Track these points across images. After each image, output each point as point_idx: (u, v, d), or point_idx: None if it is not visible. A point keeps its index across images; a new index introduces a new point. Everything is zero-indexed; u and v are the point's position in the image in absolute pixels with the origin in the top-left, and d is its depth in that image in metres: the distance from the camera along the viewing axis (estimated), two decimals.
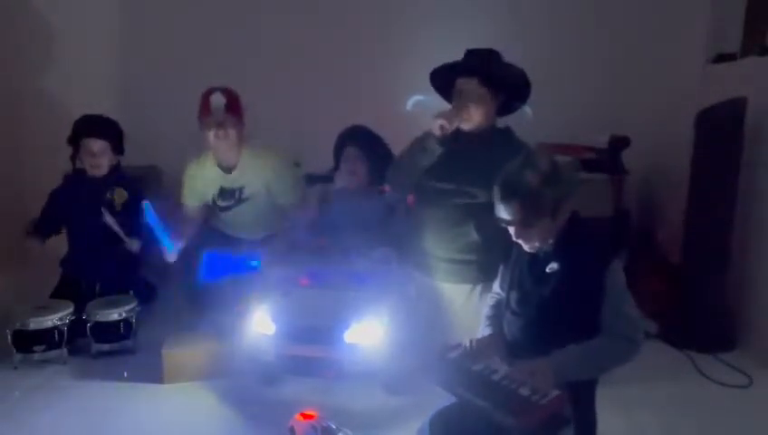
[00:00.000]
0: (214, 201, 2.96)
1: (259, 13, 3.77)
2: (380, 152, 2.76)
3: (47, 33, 3.81)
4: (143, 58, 3.84)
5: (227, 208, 2.96)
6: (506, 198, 1.57)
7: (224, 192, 2.93)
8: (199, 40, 3.72)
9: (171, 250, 2.74)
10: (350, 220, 2.75)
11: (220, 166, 2.89)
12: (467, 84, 2.29)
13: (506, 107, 2.39)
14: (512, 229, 1.61)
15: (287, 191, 2.92)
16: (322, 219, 2.83)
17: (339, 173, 2.86)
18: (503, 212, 1.59)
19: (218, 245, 2.94)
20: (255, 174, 2.89)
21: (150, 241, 2.94)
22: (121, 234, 2.89)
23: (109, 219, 2.87)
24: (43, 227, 2.96)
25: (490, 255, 2.21)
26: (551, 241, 1.63)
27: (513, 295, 1.70)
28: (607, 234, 1.76)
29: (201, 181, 2.94)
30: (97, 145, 2.94)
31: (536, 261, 1.66)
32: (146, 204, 2.65)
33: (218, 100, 2.73)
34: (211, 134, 2.76)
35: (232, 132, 2.78)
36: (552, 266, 1.61)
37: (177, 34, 3.76)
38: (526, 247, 1.64)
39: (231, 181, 2.91)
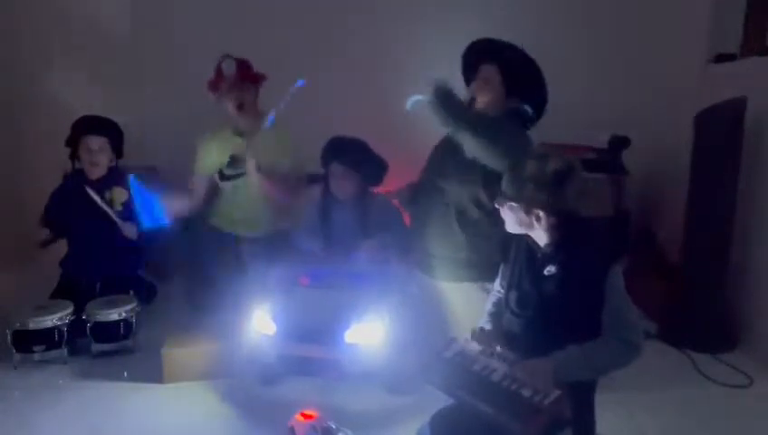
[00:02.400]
0: (221, 172, 2.90)
1: (259, 13, 3.76)
2: (368, 162, 2.74)
3: (47, 33, 3.81)
4: (143, 58, 3.84)
5: (232, 177, 2.89)
6: (556, 182, 1.60)
7: (233, 159, 2.89)
8: (199, 40, 3.71)
9: (163, 222, 2.77)
10: (346, 227, 2.75)
11: (236, 133, 2.93)
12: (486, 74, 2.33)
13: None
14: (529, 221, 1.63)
15: (288, 158, 2.92)
16: (318, 227, 2.82)
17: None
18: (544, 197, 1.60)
19: (217, 244, 2.95)
20: (266, 148, 2.87)
21: (150, 231, 2.95)
22: (114, 216, 2.88)
23: (96, 198, 2.86)
24: (50, 228, 2.97)
25: (477, 253, 2.23)
26: (548, 242, 1.63)
27: (512, 295, 1.70)
28: (607, 237, 1.76)
29: (216, 149, 2.95)
30: (96, 142, 2.95)
31: (535, 262, 1.66)
32: (131, 177, 2.68)
33: (229, 65, 2.81)
34: (229, 102, 2.83)
35: (246, 95, 2.84)
36: (551, 269, 1.61)
37: (178, 35, 3.76)
38: (508, 228, 1.67)
39: (242, 146, 2.88)
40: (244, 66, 2.85)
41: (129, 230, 2.91)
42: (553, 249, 1.63)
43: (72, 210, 2.96)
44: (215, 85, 2.85)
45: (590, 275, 1.56)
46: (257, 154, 2.88)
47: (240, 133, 2.92)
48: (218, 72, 2.84)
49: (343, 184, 2.72)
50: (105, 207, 2.89)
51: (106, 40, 3.83)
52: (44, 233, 2.94)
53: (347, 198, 2.76)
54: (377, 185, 2.80)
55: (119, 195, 3.00)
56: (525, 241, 1.70)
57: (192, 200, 2.93)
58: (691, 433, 2.13)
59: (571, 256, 1.59)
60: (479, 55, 2.37)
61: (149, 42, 3.82)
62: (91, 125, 2.98)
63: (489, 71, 2.32)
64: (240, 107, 2.83)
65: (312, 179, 3.21)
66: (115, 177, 3.04)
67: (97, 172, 2.98)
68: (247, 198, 2.95)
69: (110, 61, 3.84)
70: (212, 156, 2.95)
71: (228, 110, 2.84)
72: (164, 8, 3.78)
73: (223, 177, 2.92)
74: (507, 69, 2.30)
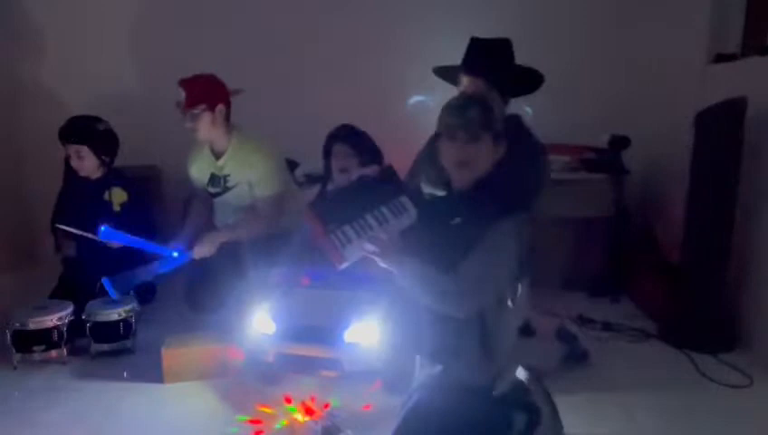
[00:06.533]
0: (205, 188, 3.01)
1: (259, 12, 3.77)
2: (368, 146, 2.78)
3: (47, 33, 3.81)
4: (143, 57, 3.84)
5: (217, 195, 3.00)
6: (464, 105, 1.63)
7: (213, 178, 2.98)
8: (199, 39, 3.72)
9: (181, 255, 2.76)
10: (345, 216, 2.75)
11: (212, 152, 2.94)
12: (473, 84, 2.24)
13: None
14: (455, 153, 1.61)
15: (261, 184, 2.89)
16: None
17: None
18: (455, 121, 1.60)
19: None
20: (239, 164, 2.90)
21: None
22: (89, 235, 2.84)
23: (68, 229, 2.84)
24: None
25: None
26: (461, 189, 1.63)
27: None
28: (510, 190, 1.66)
29: (197, 165, 3.01)
30: (73, 150, 2.94)
31: (441, 214, 1.64)
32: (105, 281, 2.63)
33: (180, 94, 2.75)
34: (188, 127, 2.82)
35: (200, 125, 2.79)
36: (456, 220, 1.60)
37: (177, 33, 3.76)
38: (460, 183, 1.64)
39: (218, 168, 2.95)
40: (190, 92, 2.75)
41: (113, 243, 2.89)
42: (461, 200, 1.62)
43: (72, 211, 2.96)
44: (176, 106, 2.82)
45: (487, 222, 1.54)
46: (233, 172, 2.90)
47: (212, 150, 2.93)
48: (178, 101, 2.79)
49: (346, 164, 2.75)
50: (80, 233, 2.85)
51: (106, 40, 3.83)
52: (69, 247, 2.97)
53: (347, 184, 2.78)
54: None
55: (117, 196, 3.00)
56: (427, 197, 1.70)
57: (198, 210, 3.01)
58: (691, 433, 2.13)
59: (476, 205, 1.58)
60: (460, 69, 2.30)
61: (150, 41, 3.82)
62: (68, 132, 2.95)
63: (476, 85, 2.24)
64: (193, 130, 2.81)
65: (310, 179, 3.22)
66: (114, 177, 3.04)
67: (88, 175, 2.99)
68: (231, 207, 2.98)
69: (110, 60, 3.84)
70: (194, 170, 3.02)
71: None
72: (164, 7, 3.78)
73: (212, 195, 3.00)
74: (498, 81, 2.22)
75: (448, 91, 2.43)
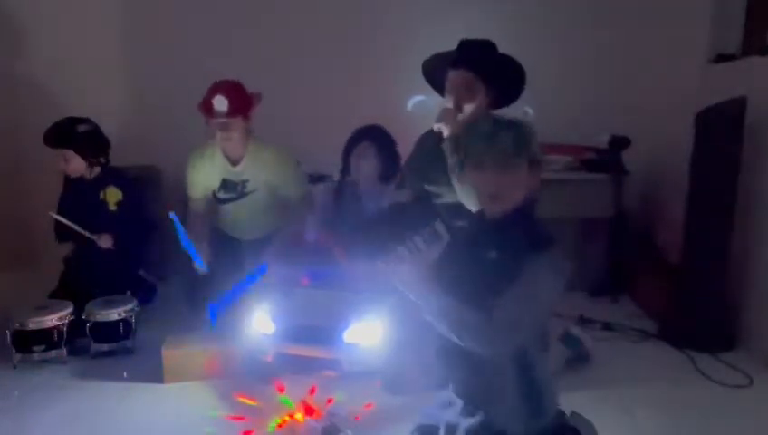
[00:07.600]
0: (214, 194, 2.96)
1: (259, 13, 3.77)
2: (391, 152, 2.77)
3: (47, 33, 3.80)
4: (143, 58, 3.84)
5: (228, 201, 2.97)
6: (494, 131, 1.46)
7: (226, 184, 2.94)
8: (199, 40, 3.72)
9: (201, 265, 2.75)
10: (356, 218, 2.76)
11: (227, 158, 2.90)
12: (460, 76, 2.24)
13: (500, 101, 2.30)
14: (485, 184, 1.46)
15: (291, 185, 2.92)
16: (327, 217, 2.85)
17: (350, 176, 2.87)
18: (483, 148, 1.45)
19: (220, 246, 2.95)
20: (259, 169, 2.89)
21: (141, 239, 2.97)
22: (85, 232, 2.87)
23: (62, 219, 2.85)
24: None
25: None
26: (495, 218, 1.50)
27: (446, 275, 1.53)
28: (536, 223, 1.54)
29: (204, 173, 2.94)
30: (58, 154, 2.93)
31: (474, 245, 1.53)
32: (173, 216, 2.60)
33: (221, 104, 2.70)
34: (217, 133, 2.78)
35: (235, 134, 2.78)
36: (492, 254, 1.47)
37: (177, 34, 3.76)
38: (493, 210, 1.49)
39: (235, 174, 2.92)
40: (234, 101, 2.72)
41: (104, 241, 2.91)
42: (494, 233, 1.49)
43: (71, 211, 2.96)
44: (205, 113, 2.77)
45: (522, 257, 1.41)
46: (252, 177, 2.89)
47: (227, 157, 2.90)
48: (209, 106, 2.73)
49: (366, 166, 2.74)
50: (74, 226, 2.87)
51: (106, 39, 3.83)
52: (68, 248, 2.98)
53: (362, 185, 2.80)
54: (389, 175, 2.83)
55: (112, 195, 3.00)
56: (464, 228, 1.59)
57: (199, 228, 2.92)
58: (691, 433, 2.13)
59: (510, 239, 1.46)
60: (447, 63, 2.29)
61: (149, 41, 3.82)
62: (49, 138, 2.92)
63: (463, 78, 2.23)
64: (224, 138, 2.80)
65: (309, 180, 3.22)
66: (110, 176, 3.03)
67: (84, 176, 2.99)
68: (247, 211, 2.96)
69: (110, 60, 3.84)
70: (200, 175, 2.95)
71: (216, 138, 2.81)
72: (164, 6, 3.78)
73: (218, 200, 2.96)
74: (484, 71, 2.22)
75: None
